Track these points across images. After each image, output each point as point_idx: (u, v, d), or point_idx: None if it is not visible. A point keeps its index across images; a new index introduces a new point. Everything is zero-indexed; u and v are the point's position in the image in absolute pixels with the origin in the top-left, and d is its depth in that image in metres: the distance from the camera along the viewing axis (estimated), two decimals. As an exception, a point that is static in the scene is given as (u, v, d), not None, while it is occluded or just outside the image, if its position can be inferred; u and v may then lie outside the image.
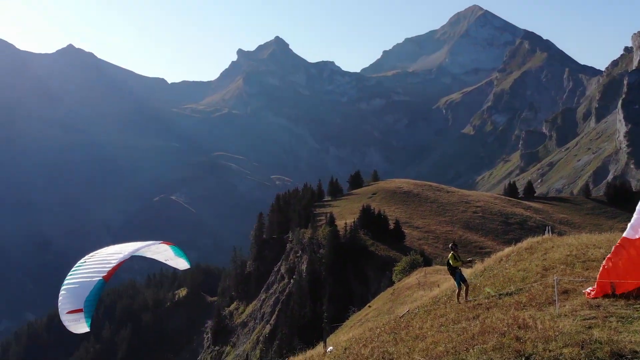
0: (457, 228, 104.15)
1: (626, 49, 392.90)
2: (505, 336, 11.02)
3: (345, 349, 15.27)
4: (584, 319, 11.74)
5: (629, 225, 13.61)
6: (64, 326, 11.88)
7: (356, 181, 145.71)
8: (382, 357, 12.06)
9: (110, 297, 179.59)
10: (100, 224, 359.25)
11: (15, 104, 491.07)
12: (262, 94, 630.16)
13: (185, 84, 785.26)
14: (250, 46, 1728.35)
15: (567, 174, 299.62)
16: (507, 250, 24.57)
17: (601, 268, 13.95)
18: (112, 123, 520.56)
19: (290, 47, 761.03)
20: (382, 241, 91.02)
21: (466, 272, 22.00)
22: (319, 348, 18.73)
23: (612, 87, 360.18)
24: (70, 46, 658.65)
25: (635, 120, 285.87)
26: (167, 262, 14.02)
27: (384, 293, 56.19)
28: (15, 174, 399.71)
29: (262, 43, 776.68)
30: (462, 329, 12.94)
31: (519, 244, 24.39)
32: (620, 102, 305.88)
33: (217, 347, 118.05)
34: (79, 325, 11.30)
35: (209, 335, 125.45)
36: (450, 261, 19.28)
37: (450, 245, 20.00)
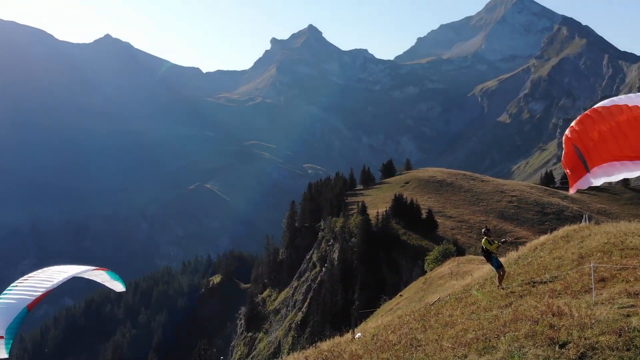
0: (492, 218, 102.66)
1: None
2: (538, 324, 10.65)
3: (374, 335, 15.09)
4: (622, 307, 11.26)
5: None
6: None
7: (388, 170, 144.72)
8: (410, 344, 11.82)
9: (147, 282, 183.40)
10: (137, 210, 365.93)
11: (55, 93, 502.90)
12: (295, 83, 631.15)
13: (219, 73, 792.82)
14: (284, 35, 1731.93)
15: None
16: (543, 238, 23.95)
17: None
18: (149, 112, 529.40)
19: (323, 35, 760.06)
20: (414, 230, 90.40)
21: (501, 260, 21.45)
22: (348, 335, 18.59)
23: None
24: (108, 36, 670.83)
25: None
26: (105, 284, 14.11)
27: (415, 282, 55.79)
28: (54, 162, 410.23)
29: (296, 32, 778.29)
30: (494, 316, 12.60)
31: (555, 232, 23.74)
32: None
33: (250, 334, 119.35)
34: None
35: (242, 321, 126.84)
36: (484, 245, 18.81)
37: (482, 230, 19.53)
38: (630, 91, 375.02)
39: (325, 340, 18.66)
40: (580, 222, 26.46)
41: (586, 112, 12.31)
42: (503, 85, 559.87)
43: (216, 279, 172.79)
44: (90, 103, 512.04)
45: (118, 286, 14.38)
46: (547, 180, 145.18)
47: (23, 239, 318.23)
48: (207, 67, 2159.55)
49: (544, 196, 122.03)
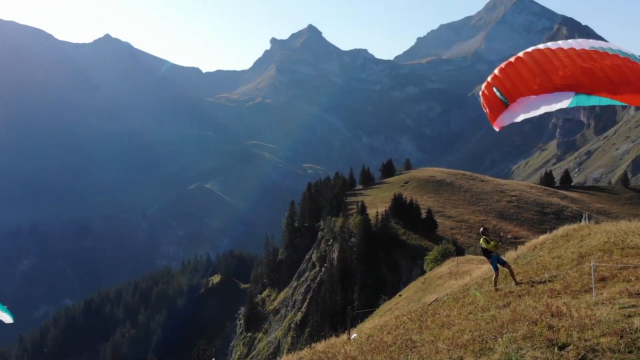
0: (491, 217, 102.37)
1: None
2: (537, 324, 10.34)
3: (369, 336, 14.82)
4: (623, 307, 10.95)
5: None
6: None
7: (388, 170, 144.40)
8: (405, 345, 11.54)
9: (146, 282, 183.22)
10: (137, 211, 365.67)
11: (55, 93, 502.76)
12: (295, 83, 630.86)
13: (219, 73, 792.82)
14: (284, 35, 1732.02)
15: (605, 163, 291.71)
16: (542, 237, 23.69)
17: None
18: (149, 112, 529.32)
19: (323, 35, 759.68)
20: (414, 230, 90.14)
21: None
22: (344, 335, 18.32)
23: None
24: (107, 36, 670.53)
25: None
26: None
27: (415, 282, 55.57)
28: (54, 162, 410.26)
29: (295, 31, 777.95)
30: (491, 317, 12.32)
31: (554, 232, 23.49)
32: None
33: (249, 334, 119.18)
34: None
35: (242, 321, 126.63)
36: (482, 245, 18.52)
37: (480, 230, 19.25)
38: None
39: (322, 340, 18.40)
40: (580, 221, 26.23)
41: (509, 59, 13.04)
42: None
43: (216, 278, 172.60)
44: (90, 103, 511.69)
45: (6, 318, 14.27)
46: (547, 180, 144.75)
47: (23, 239, 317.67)
48: (206, 67, 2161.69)
49: (543, 196, 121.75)
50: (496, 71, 12.63)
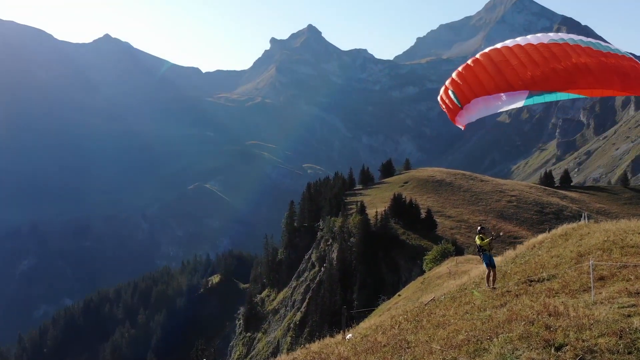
0: (491, 217, 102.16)
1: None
2: (533, 324, 10.09)
3: (364, 336, 14.61)
4: (622, 307, 10.71)
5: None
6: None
7: (388, 170, 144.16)
8: (400, 346, 11.31)
9: (146, 282, 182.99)
10: (137, 211, 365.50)
11: (54, 93, 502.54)
12: (295, 83, 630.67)
13: (219, 73, 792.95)
14: (284, 35, 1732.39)
15: (605, 163, 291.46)
16: (541, 237, 23.47)
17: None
18: (149, 112, 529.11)
19: (323, 35, 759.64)
20: (413, 230, 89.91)
21: (497, 259, 21.02)
22: (339, 336, 18.10)
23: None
24: (107, 36, 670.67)
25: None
26: None
27: (414, 282, 55.36)
28: (54, 162, 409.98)
29: (295, 31, 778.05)
30: (488, 316, 12.08)
31: (553, 231, 23.28)
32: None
33: (248, 334, 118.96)
34: None
35: (241, 321, 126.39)
36: (477, 241, 18.49)
37: (478, 228, 19.20)
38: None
39: (317, 341, 18.20)
40: (580, 221, 26.01)
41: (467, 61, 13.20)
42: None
43: (215, 278, 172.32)
44: (90, 103, 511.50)
45: None
46: (547, 180, 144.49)
47: (23, 239, 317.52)
48: (206, 67, 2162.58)
49: (543, 196, 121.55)
50: (454, 74, 12.97)
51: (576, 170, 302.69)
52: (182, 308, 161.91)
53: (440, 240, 74.39)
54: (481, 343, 9.82)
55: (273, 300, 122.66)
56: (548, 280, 15.41)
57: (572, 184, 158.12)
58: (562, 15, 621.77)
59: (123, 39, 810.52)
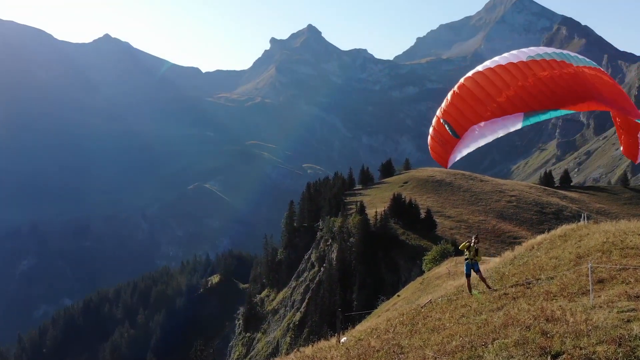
0: (491, 217, 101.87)
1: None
2: (530, 330, 9.79)
3: (358, 340, 14.38)
4: (622, 311, 10.39)
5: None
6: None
7: (387, 170, 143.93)
8: (393, 351, 11.07)
9: (145, 282, 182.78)
10: (137, 211, 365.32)
11: (54, 93, 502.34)
12: (295, 83, 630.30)
13: (219, 73, 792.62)
14: (283, 35, 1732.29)
15: (605, 163, 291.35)
16: (540, 237, 23.21)
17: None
18: (148, 112, 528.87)
19: (322, 35, 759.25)
20: (413, 230, 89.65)
21: (495, 260, 20.81)
22: (334, 339, 17.87)
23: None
24: (107, 36, 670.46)
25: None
26: None
27: (413, 282, 55.12)
28: (53, 162, 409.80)
29: (295, 31, 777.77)
30: (484, 320, 11.81)
31: (552, 232, 23.02)
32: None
33: (248, 334, 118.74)
34: None
35: (241, 321, 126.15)
36: (464, 249, 18.57)
37: (474, 236, 19.18)
38: (629, 91, 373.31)
39: (315, 343, 17.99)
40: (579, 221, 25.79)
41: (453, 88, 13.04)
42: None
43: (215, 278, 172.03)
44: (90, 103, 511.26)
45: None
46: (547, 180, 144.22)
47: (23, 239, 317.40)
48: (206, 67, 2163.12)
49: (543, 196, 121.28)
50: (443, 104, 12.68)
51: (576, 170, 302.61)
52: (181, 308, 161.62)
53: (439, 240, 74.19)
54: (475, 350, 9.54)
55: (272, 300, 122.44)
56: (547, 281, 15.17)
57: (572, 184, 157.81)
58: (562, 15, 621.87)
59: (123, 39, 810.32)
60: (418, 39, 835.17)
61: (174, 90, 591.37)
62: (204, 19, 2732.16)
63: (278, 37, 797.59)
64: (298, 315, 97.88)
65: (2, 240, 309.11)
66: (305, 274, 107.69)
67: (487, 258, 40.50)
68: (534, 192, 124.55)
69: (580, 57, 12.44)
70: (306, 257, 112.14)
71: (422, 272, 61.58)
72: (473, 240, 19.01)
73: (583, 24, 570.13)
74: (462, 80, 12.64)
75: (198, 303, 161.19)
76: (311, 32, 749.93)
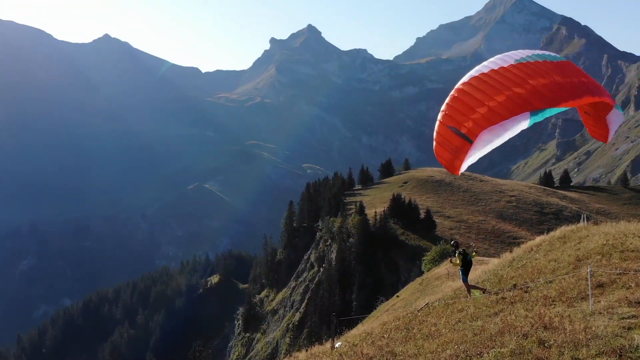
0: (490, 217, 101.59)
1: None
2: (527, 338, 9.45)
3: (353, 345, 14.10)
4: (622, 318, 10.04)
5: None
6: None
7: (387, 170, 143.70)
8: (386, 358, 10.80)
9: (145, 282, 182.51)
10: (137, 211, 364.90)
11: (54, 93, 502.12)
12: (295, 83, 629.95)
13: (219, 73, 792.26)
14: (283, 35, 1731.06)
15: (605, 163, 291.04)
16: (539, 239, 22.91)
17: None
18: (148, 112, 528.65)
19: (322, 35, 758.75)
20: (412, 230, 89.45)
21: (494, 261, 20.56)
22: (328, 344, 17.61)
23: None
24: (107, 36, 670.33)
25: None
26: None
27: (412, 283, 54.85)
28: (53, 162, 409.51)
29: (295, 31, 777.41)
30: (480, 327, 11.51)
31: (552, 233, 22.72)
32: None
33: (247, 334, 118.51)
34: None
35: (240, 322, 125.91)
36: (456, 256, 18.52)
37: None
38: (629, 91, 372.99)
39: (305, 349, 17.72)
40: (579, 222, 25.51)
41: (451, 92, 12.93)
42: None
43: (214, 279, 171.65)
44: (90, 103, 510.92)
45: None
46: (546, 180, 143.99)
47: (23, 239, 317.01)
48: (206, 67, 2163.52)
49: (542, 196, 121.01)
50: (445, 109, 12.49)
51: (576, 170, 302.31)
52: (181, 308, 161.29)
53: (439, 240, 73.99)
54: (470, 359, 9.26)
55: (272, 300, 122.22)
56: (545, 285, 14.87)
57: (571, 184, 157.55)
58: (562, 15, 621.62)
59: (123, 39, 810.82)
60: (418, 39, 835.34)
61: (174, 90, 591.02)
62: (204, 19, 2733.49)
63: (278, 37, 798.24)
64: (297, 316, 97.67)
65: (2, 240, 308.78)
66: (304, 274, 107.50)
67: (487, 258, 40.25)
68: (533, 192, 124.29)
69: (553, 54, 12.54)
70: (306, 257, 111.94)
71: (421, 273, 61.34)
72: (455, 251, 19.06)
73: (583, 24, 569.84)
74: (458, 84, 12.51)
75: (198, 303, 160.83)
76: (311, 32, 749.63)
